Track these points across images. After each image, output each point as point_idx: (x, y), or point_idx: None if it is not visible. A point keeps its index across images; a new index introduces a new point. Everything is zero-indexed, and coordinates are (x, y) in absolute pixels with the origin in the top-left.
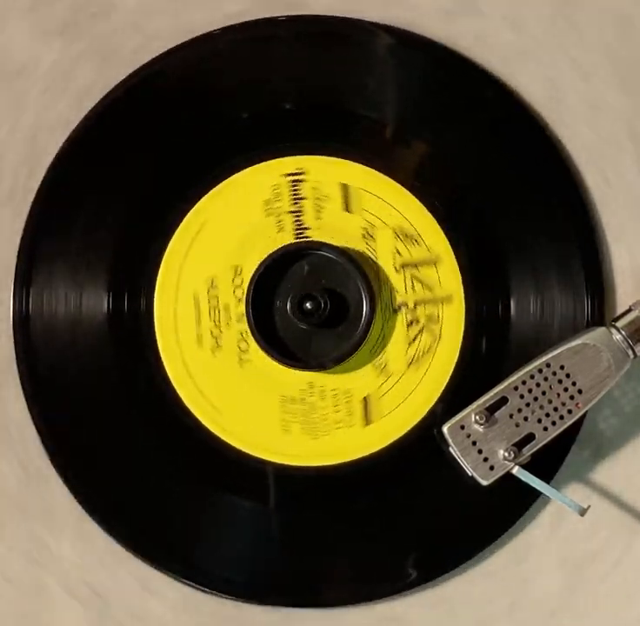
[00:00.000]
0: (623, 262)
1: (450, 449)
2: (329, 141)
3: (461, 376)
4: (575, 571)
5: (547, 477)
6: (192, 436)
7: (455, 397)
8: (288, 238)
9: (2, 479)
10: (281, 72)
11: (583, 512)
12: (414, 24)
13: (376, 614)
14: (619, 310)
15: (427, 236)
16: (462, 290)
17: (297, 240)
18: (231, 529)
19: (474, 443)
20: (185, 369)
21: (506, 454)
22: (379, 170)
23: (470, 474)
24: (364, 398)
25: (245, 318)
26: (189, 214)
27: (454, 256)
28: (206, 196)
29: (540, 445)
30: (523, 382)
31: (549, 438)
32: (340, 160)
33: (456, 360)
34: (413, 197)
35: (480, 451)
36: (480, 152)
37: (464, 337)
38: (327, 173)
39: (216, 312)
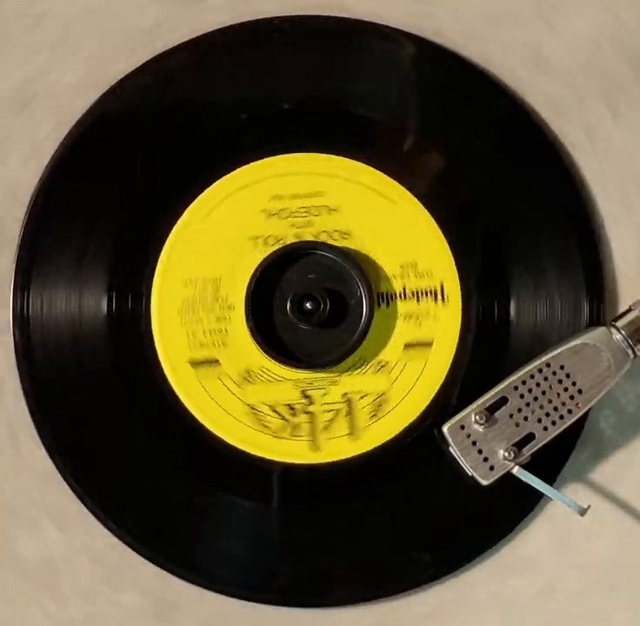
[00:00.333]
0: (623, 262)
1: (450, 448)
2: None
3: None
4: (574, 571)
5: (550, 478)
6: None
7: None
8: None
9: (2, 479)
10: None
11: (583, 512)
12: (415, 25)
13: (376, 614)
14: (619, 310)
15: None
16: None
17: (297, 240)
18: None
19: (474, 443)
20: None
21: (506, 454)
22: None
23: (470, 474)
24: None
25: (245, 318)
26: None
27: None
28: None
29: (540, 445)
30: (523, 382)
31: (549, 438)
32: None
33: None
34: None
35: (480, 451)
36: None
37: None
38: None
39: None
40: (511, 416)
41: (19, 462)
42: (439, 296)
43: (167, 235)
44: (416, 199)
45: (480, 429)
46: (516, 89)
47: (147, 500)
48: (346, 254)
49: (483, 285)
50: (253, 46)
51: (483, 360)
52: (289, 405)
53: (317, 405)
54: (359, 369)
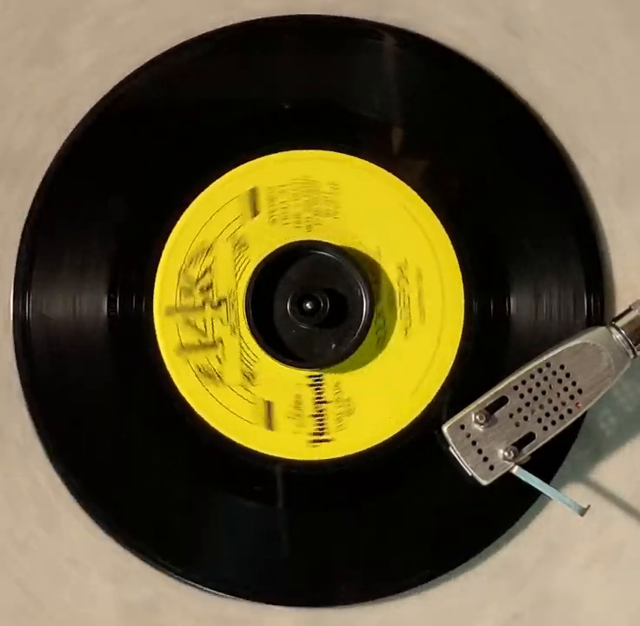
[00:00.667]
0: (623, 261)
1: (450, 448)
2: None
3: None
4: (574, 571)
5: (549, 478)
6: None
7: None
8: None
9: (1, 479)
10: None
11: (582, 512)
12: (415, 24)
13: (376, 614)
14: (619, 310)
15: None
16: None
17: (298, 240)
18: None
19: (474, 443)
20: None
21: (506, 453)
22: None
23: (469, 474)
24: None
25: (245, 317)
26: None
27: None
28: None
29: (540, 445)
30: (523, 382)
31: (549, 438)
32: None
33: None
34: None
35: (480, 451)
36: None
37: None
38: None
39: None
40: (511, 415)
41: (19, 461)
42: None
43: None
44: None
45: (480, 428)
46: (517, 88)
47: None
48: (346, 254)
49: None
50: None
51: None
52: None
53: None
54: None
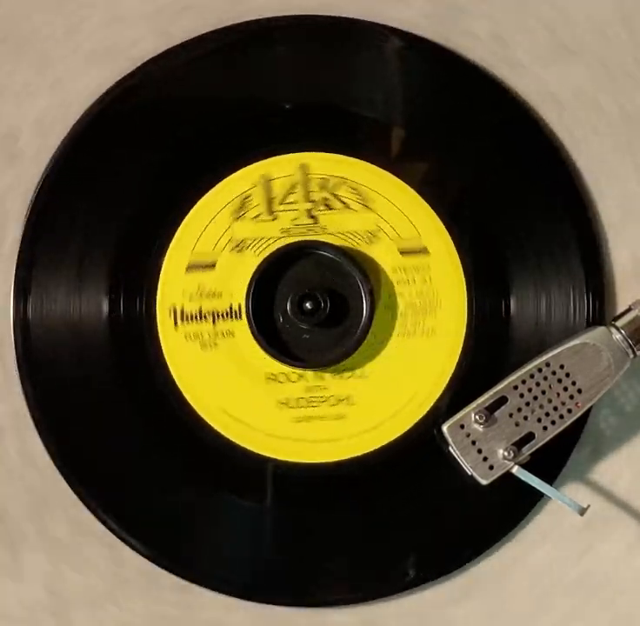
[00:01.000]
0: (623, 262)
1: (450, 448)
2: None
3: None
4: (573, 571)
5: (549, 478)
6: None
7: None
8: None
9: (1, 479)
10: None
11: (582, 512)
12: (415, 25)
13: (374, 614)
14: (619, 310)
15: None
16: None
17: (298, 239)
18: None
19: (473, 443)
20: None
21: (506, 453)
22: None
23: (469, 473)
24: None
25: (245, 317)
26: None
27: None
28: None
29: (540, 444)
30: (523, 382)
31: (548, 438)
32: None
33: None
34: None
35: (480, 451)
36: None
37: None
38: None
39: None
40: (511, 415)
41: (19, 461)
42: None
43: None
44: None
45: (480, 428)
46: (517, 88)
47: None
48: (346, 254)
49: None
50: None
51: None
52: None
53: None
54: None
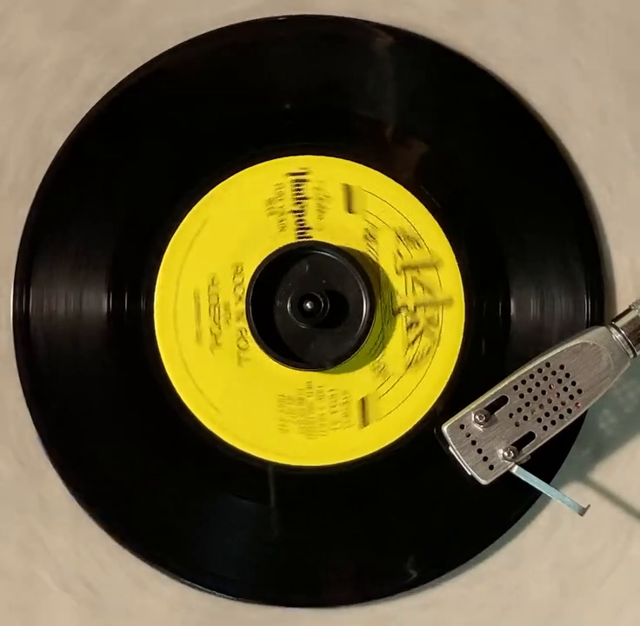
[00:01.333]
0: (623, 262)
1: (450, 448)
2: (331, 141)
3: (461, 376)
4: (573, 571)
5: (549, 478)
6: (191, 435)
7: (455, 398)
8: (289, 238)
9: (2, 479)
10: (282, 72)
11: (582, 512)
12: (416, 25)
13: (374, 614)
14: (619, 310)
15: (428, 237)
16: (462, 291)
17: (298, 240)
18: (228, 527)
19: (473, 443)
20: (185, 367)
21: (506, 453)
22: (381, 171)
23: (469, 473)
24: (362, 399)
25: (245, 317)
26: (190, 213)
27: (455, 257)
28: (207, 195)
29: (539, 445)
30: (523, 382)
31: (548, 438)
32: (343, 160)
33: (455, 361)
34: (415, 199)
35: (480, 451)
36: (481, 154)
37: (464, 338)
38: (330, 173)
39: (216, 310)
40: (511, 415)
41: (19, 461)
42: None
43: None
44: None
45: (480, 428)
46: (517, 88)
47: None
48: (346, 254)
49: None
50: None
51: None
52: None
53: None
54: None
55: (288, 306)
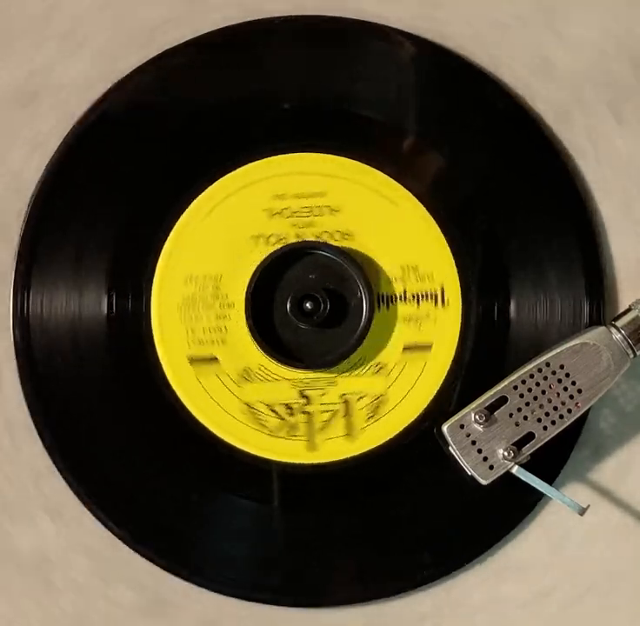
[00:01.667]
0: (623, 262)
1: (450, 448)
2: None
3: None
4: (573, 572)
5: (549, 478)
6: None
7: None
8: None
9: (1, 479)
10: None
11: (582, 512)
12: (416, 25)
13: (375, 614)
14: (619, 310)
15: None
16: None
17: (298, 240)
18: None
19: (473, 443)
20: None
21: (506, 453)
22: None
23: (469, 473)
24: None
25: (245, 317)
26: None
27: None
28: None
29: (540, 444)
30: (523, 382)
31: (548, 438)
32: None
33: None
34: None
35: (480, 451)
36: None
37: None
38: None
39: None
40: (511, 415)
41: (19, 461)
42: (439, 298)
43: (168, 233)
44: (417, 200)
45: (480, 428)
46: (517, 90)
47: (145, 498)
48: (346, 254)
49: (484, 285)
50: (253, 46)
51: (483, 360)
52: (286, 405)
53: (315, 405)
54: (358, 370)
55: (288, 306)
